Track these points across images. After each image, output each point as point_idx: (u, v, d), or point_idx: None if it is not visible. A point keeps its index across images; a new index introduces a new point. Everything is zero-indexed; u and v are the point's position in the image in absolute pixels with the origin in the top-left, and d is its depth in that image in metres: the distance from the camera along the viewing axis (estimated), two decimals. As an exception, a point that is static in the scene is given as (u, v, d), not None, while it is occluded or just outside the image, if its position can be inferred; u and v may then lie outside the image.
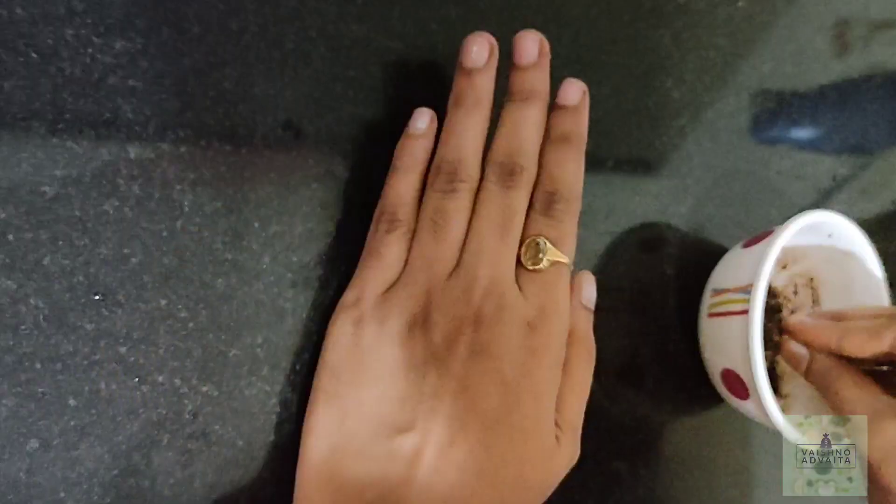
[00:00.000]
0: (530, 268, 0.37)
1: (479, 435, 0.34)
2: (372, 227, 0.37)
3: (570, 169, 0.38)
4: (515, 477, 0.35)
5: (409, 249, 0.37)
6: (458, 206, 0.37)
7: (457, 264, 0.36)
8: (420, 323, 0.35)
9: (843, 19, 0.60)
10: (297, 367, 0.37)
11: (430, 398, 0.34)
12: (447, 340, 0.35)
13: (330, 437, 0.34)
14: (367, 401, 0.34)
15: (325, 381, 0.35)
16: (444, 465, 0.34)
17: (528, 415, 0.35)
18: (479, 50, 0.37)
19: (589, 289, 0.42)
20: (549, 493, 0.37)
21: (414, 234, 0.37)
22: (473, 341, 0.35)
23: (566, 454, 0.37)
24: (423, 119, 0.38)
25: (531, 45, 0.38)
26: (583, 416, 0.38)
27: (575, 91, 0.39)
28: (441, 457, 0.34)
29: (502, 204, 0.37)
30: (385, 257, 0.36)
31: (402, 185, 0.37)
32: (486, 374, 0.35)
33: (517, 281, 0.37)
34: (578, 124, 0.39)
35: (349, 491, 0.33)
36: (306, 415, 0.35)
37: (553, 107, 0.39)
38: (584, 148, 0.39)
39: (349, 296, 0.36)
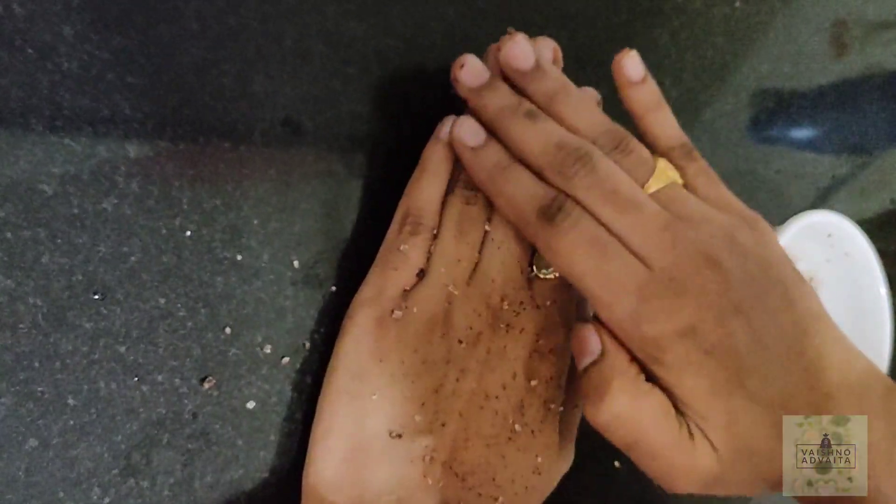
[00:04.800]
0: (542, 276, 0.38)
1: (492, 438, 0.35)
2: (395, 226, 0.38)
3: None
4: (523, 480, 0.35)
5: (430, 251, 0.37)
6: (481, 213, 0.38)
7: (474, 268, 0.37)
8: (440, 325, 0.36)
9: (841, 20, 0.60)
10: (298, 366, 0.37)
11: (448, 399, 0.35)
12: (467, 342, 0.35)
13: (350, 438, 0.34)
14: (388, 401, 0.34)
15: (346, 382, 0.35)
16: (457, 467, 0.34)
17: (538, 419, 0.36)
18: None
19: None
20: (545, 496, 0.37)
21: (435, 236, 0.38)
22: (491, 344, 0.35)
23: (566, 459, 0.38)
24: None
25: (547, 53, 0.40)
26: (578, 424, 0.39)
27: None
28: (454, 459, 0.35)
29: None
30: (409, 258, 0.36)
31: (430, 189, 0.38)
32: (503, 376, 0.36)
33: (529, 287, 0.38)
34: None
35: (369, 494, 0.33)
36: (322, 414, 0.35)
37: None
38: None
39: (367, 292, 0.36)
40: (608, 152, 0.35)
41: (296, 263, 0.37)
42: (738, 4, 0.54)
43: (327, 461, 0.34)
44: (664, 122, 0.39)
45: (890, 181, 0.62)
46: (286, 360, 0.36)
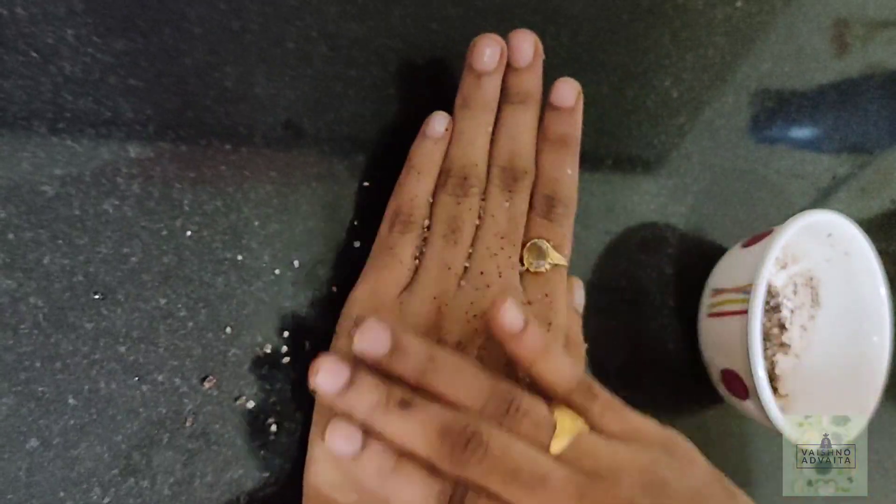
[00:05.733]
0: (532, 270, 0.38)
1: None
2: (385, 225, 0.37)
3: (568, 172, 0.39)
4: None
5: (422, 251, 0.37)
6: (471, 211, 0.37)
7: (466, 268, 0.37)
8: (433, 330, 0.36)
9: (842, 19, 0.60)
10: (298, 366, 0.37)
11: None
12: (460, 347, 0.35)
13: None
14: None
15: None
16: None
17: None
18: (492, 53, 0.37)
19: (579, 293, 0.43)
20: None
21: (426, 236, 0.37)
22: (485, 345, 0.35)
23: None
24: (441, 122, 0.38)
25: (527, 47, 0.38)
26: None
27: (570, 91, 0.39)
28: None
29: (508, 210, 0.38)
30: (401, 257, 0.36)
31: (418, 187, 0.37)
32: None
33: (520, 282, 0.38)
34: (574, 126, 0.39)
35: (373, 493, 0.33)
36: (321, 415, 0.35)
37: (548, 106, 0.39)
38: (578, 149, 0.39)
39: (361, 292, 0.36)
40: (500, 420, 0.32)
41: (296, 264, 0.37)
42: (739, 4, 0.53)
43: (329, 461, 0.34)
44: (556, 367, 0.34)
45: (890, 181, 0.62)
46: (286, 360, 0.36)
